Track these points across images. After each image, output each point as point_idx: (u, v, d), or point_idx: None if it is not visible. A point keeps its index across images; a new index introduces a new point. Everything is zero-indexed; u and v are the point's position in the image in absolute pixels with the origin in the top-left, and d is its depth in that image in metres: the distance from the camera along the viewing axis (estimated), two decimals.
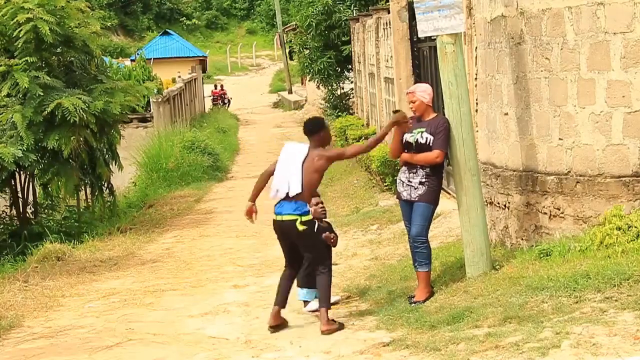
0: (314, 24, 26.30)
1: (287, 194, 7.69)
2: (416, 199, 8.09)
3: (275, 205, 7.81)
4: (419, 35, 8.60)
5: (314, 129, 8.06)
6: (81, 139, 14.88)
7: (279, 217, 7.76)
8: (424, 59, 15.29)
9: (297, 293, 8.39)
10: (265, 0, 75.00)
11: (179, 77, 34.81)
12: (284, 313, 8.05)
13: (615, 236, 7.41)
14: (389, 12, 16.61)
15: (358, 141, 19.90)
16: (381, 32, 18.69)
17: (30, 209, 16.41)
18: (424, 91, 8.21)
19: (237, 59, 68.23)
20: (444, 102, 8.30)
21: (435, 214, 12.65)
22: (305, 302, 8.40)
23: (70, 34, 15.43)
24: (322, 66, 26.63)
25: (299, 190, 7.66)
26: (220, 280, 10.76)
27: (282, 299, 7.97)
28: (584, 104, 7.96)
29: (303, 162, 7.79)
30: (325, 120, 8.42)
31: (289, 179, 7.72)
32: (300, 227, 7.61)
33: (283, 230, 7.80)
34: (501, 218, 8.99)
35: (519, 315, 6.58)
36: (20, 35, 14.63)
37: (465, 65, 8.44)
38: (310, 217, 7.72)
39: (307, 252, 7.88)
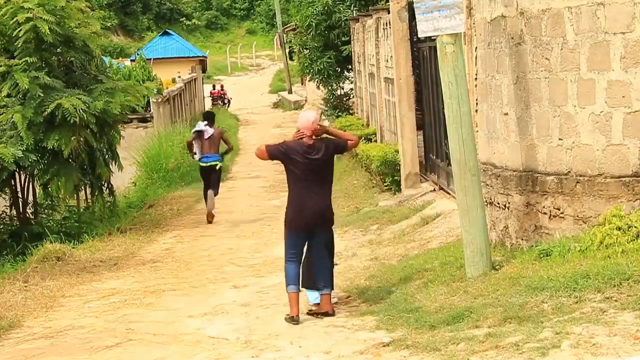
0: (313, 24, 26.30)
1: None
2: None
3: None
4: (419, 36, 8.61)
5: None
6: (81, 139, 14.87)
7: None
8: (424, 59, 15.29)
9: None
10: (265, 1, 74.99)
11: (179, 77, 34.81)
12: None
13: (615, 236, 7.41)
14: (389, 12, 16.61)
15: None
16: (381, 32, 18.70)
17: (30, 209, 16.41)
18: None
19: (237, 59, 68.23)
20: (444, 102, 8.31)
21: (435, 214, 12.80)
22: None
23: (70, 34, 15.42)
24: (322, 66, 26.62)
25: None
26: (220, 280, 10.76)
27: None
28: (584, 104, 7.96)
29: None
30: None
31: None
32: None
33: None
34: (501, 218, 8.99)
35: (519, 315, 6.58)
36: (20, 35, 14.62)
37: (465, 65, 8.44)
38: None
39: None
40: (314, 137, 8.30)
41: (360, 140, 19.56)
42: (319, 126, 8.38)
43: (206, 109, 42.38)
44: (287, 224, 8.42)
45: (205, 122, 15.58)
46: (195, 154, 15.59)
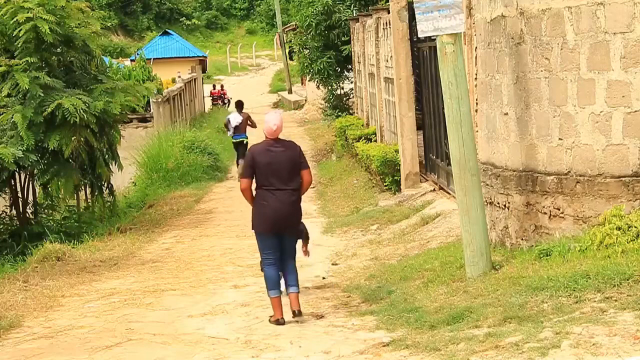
0: (313, 24, 26.31)
1: None
2: None
3: None
4: (419, 35, 8.61)
5: None
6: (81, 139, 14.87)
7: None
8: (424, 59, 15.29)
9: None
10: (265, 0, 74.99)
11: (179, 77, 34.79)
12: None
13: (615, 236, 7.41)
14: (389, 12, 16.61)
15: (358, 141, 19.90)
16: (381, 32, 18.70)
17: (30, 209, 16.41)
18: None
19: (237, 59, 68.20)
20: (444, 102, 8.31)
21: (435, 214, 12.81)
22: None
23: (70, 34, 15.43)
24: (322, 66, 26.64)
25: None
26: (220, 280, 10.76)
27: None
28: (584, 104, 7.96)
29: None
30: None
31: None
32: None
33: None
34: (501, 218, 8.99)
35: (519, 315, 6.58)
36: (20, 35, 14.62)
37: (465, 65, 8.45)
38: None
39: None
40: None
41: (360, 140, 19.69)
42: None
43: (206, 109, 42.42)
44: (255, 227, 8.41)
45: (235, 111, 21.87)
46: (229, 131, 21.49)
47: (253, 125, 21.13)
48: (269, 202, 8.19)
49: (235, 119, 21.21)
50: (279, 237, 8.32)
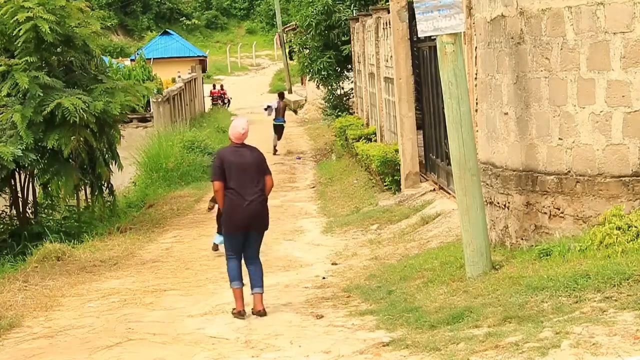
0: (313, 24, 26.29)
1: None
2: None
3: None
4: (419, 35, 8.61)
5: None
6: (81, 138, 14.87)
7: None
8: (423, 59, 15.29)
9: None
10: (265, 0, 74.99)
11: (179, 77, 34.78)
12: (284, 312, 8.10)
13: (615, 236, 7.41)
14: (388, 12, 16.61)
15: (358, 141, 19.89)
16: (381, 32, 18.69)
17: (30, 208, 16.40)
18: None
19: (237, 59, 68.20)
20: (443, 102, 8.31)
21: (435, 214, 12.81)
22: None
23: (70, 34, 15.43)
24: (322, 66, 26.63)
25: None
26: (220, 280, 10.75)
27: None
28: (584, 103, 7.96)
29: None
30: None
31: None
32: None
33: None
34: (501, 218, 8.99)
35: (519, 315, 6.58)
36: (20, 35, 14.62)
37: (465, 65, 8.44)
38: None
39: None
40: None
41: (360, 140, 19.68)
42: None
43: (206, 108, 42.43)
44: (226, 227, 8.76)
45: (277, 99, 26.98)
46: (270, 114, 26.41)
47: (291, 110, 28.19)
48: (241, 201, 8.55)
49: (275, 105, 26.33)
50: (246, 235, 8.69)
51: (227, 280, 10.63)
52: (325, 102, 29.34)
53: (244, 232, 8.65)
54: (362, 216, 14.61)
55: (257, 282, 8.70)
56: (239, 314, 8.52)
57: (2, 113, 14.61)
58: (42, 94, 14.49)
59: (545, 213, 8.32)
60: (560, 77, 8.10)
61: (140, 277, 11.32)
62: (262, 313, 8.52)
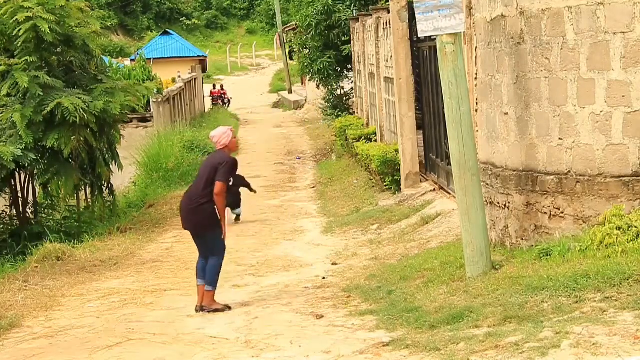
0: (313, 24, 26.29)
1: None
2: None
3: None
4: (419, 35, 8.61)
5: None
6: (81, 138, 14.87)
7: None
8: (424, 59, 15.29)
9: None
10: (265, 0, 74.99)
11: (179, 77, 34.78)
12: (283, 312, 8.09)
13: (615, 236, 7.41)
14: (389, 12, 16.61)
15: (358, 141, 19.89)
16: (381, 32, 18.70)
17: (30, 208, 16.40)
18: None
19: (237, 59, 68.20)
20: (444, 102, 8.31)
21: (435, 214, 12.81)
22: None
23: (70, 34, 15.42)
24: (322, 66, 26.63)
25: None
26: (220, 280, 10.73)
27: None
28: (584, 103, 7.96)
29: None
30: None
31: None
32: None
33: None
34: (501, 218, 8.99)
35: (519, 315, 6.58)
36: (20, 35, 14.62)
37: (465, 65, 8.44)
38: None
39: None
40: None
41: (361, 140, 19.68)
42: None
43: (206, 108, 42.44)
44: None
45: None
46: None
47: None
48: (183, 203, 9.09)
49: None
50: (193, 235, 9.12)
51: (226, 280, 10.68)
52: (325, 102, 29.34)
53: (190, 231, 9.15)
54: (362, 216, 14.61)
55: (202, 275, 9.04)
56: (196, 308, 8.96)
57: (2, 113, 14.61)
58: (42, 94, 14.49)
59: (546, 213, 8.32)
60: (560, 77, 8.10)
61: (141, 277, 11.31)
62: (199, 309, 8.92)
